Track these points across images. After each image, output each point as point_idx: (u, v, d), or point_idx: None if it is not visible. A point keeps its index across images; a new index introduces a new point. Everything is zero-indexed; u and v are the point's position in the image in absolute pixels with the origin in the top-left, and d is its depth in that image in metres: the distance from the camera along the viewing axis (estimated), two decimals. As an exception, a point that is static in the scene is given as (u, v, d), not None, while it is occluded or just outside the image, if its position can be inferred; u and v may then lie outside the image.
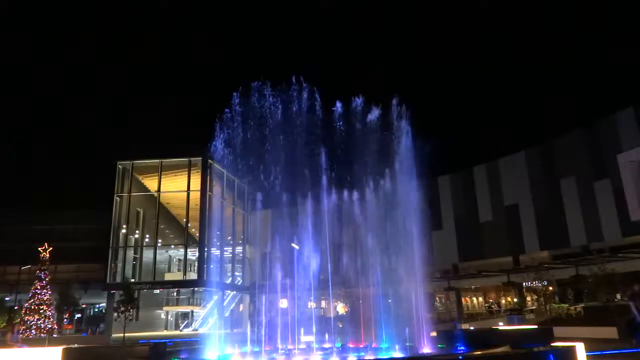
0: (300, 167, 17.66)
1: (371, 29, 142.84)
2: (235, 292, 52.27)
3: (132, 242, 50.04)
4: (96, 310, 61.52)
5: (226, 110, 17.70)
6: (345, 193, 19.42)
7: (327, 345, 15.92)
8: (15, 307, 48.22)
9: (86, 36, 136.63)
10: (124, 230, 48.59)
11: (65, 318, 49.95)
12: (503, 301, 59.71)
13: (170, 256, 55.35)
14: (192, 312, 54.81)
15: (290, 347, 16.19)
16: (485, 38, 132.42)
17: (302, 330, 16.78)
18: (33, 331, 33.80)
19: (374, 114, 17.68)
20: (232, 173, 53.92)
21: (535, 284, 47.61)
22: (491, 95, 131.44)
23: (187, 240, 49.44)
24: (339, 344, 16.16)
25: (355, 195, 18.82)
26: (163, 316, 55.51)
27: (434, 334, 16.20)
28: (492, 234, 52.81)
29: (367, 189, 17.84)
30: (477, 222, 54.36)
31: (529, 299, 55.44)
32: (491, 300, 61.45)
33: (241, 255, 54.23)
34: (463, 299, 57.88)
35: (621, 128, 42.96)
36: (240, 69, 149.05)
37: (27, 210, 59.02)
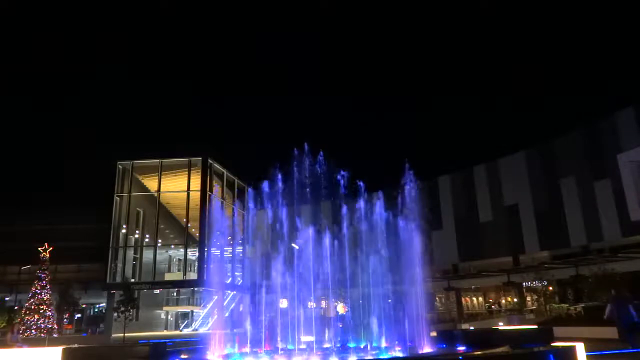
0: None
1: (370, 32, 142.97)
2: (235, 292, 52.23)
3: (132, 242, 49.98)
4: (96, 310, 61.41)
5: None
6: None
7: (327, 345, 15.92)
8: (15, 307, 48.17)
9: (86, 35, 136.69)
10: (124, 230, 48.54)
11: (65, 318, 49.89)
12: (503, 301, 59.65)
13: (170, 256, 55.28)
14: (192, 312, 54.74)
15: (290, 347, 16.18)
16: (485, 39, 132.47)
17: (302, 330, 16.76)
18: (33, 331, 33.78)
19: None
20: (232, 173, 53.95)
21: (535, 284, 47.57)
22: (490, 95, 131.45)
23: (187, 240, 49.39)
24: (339, 344, 16.15)
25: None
26: (163, 316, 55.42)
27: (434, 334, 16.18)
28: (492, 234, 52.81)
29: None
30: (477, 222, 54.37)
31: (529, 299, 55.38)
32: (491, 300, 61.41)
33: (241, 255, 54.18)
34: (463, 299, 57.87)
35: (621, 128, 42.96)
36: (240, 69, 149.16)
37: (27, 210, 58.88)
